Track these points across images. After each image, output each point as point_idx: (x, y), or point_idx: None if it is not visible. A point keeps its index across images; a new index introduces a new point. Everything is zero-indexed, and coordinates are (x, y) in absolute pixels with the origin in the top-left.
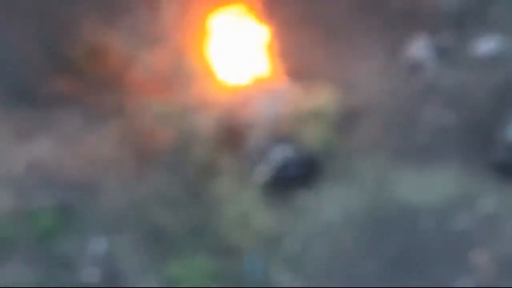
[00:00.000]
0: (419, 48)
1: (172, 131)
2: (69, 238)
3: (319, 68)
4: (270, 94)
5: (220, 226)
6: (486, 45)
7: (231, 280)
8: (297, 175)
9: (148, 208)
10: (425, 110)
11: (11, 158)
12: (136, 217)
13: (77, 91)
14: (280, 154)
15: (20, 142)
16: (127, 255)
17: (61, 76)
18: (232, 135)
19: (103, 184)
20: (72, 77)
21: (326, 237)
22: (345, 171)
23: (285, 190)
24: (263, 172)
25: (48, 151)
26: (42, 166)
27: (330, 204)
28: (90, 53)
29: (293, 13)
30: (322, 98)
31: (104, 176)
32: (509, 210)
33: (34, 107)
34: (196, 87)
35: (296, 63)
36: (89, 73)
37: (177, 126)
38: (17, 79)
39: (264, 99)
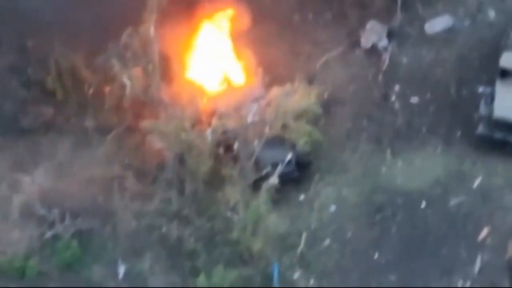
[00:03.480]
0: (373, 33)
1: (168, 147)
2: (92, 265)
3: (287, 68)
4: (254, 101)
5: (232, 235)
6: (436, 24)
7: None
8: (293, 175)
9: (159, 226)
10: (392, 93)
11: (18, 192)
12: (150, 236)
13: (60, 117)
14: (274, 156)
15: (19, 175)
16: (151, 274)
17: (43, 104)
18: (226, 145)
19: (111, 207)
20: (53, 104)
21: (331, 232)
22: (335, 164)
23: (284, 190)
24: (261, 177)
25: (49, 181)
26: (49, 197)
27: (328, 199)
28: (69, 78)
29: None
30: (301, 97)
31: (110, 199)
32: (499, 181)
33: (21, 138)
34: (182, 102)
35: (266, 65)
36: (70, 98)
37: (172, 142)
38: (1, 111)
39: (249, 106)
